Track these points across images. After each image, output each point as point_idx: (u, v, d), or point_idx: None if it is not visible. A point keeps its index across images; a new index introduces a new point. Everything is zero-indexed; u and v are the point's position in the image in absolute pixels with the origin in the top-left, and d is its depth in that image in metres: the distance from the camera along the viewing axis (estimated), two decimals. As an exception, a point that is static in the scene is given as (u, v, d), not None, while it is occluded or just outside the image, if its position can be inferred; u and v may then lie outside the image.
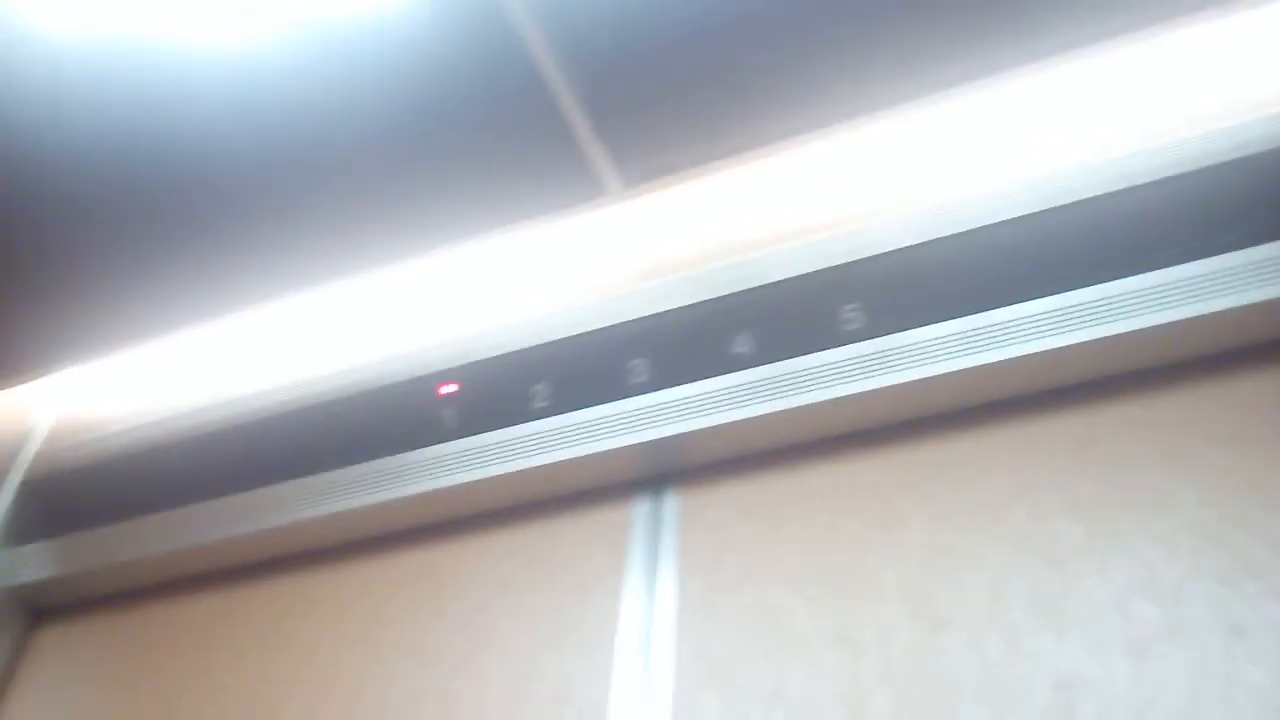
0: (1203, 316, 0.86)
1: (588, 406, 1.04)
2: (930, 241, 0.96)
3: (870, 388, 0.94)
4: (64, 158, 1.07)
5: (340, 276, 1.17)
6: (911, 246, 0.97)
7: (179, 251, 1.16)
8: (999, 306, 0.92)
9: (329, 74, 0.98)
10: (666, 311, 1.04)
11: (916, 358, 0.93)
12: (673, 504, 1.04)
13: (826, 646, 0.88)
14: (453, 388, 1.11)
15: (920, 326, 0.94)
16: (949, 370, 0.92)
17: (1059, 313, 0.90)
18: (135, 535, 1.23)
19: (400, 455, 1.10)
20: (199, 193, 1.09)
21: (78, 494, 1.30)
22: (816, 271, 1.00)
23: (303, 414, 1.18)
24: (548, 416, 1.05)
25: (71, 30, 0.97)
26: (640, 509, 1.05)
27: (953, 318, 0.93)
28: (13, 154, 1.07)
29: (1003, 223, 0.95)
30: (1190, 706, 0.75)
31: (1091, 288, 0.90)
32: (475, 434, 1.08)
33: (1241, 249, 0.86)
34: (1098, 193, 0.93)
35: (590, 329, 1.07)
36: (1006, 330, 0.91)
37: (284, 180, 1.08)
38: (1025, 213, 0.94)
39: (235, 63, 0.98)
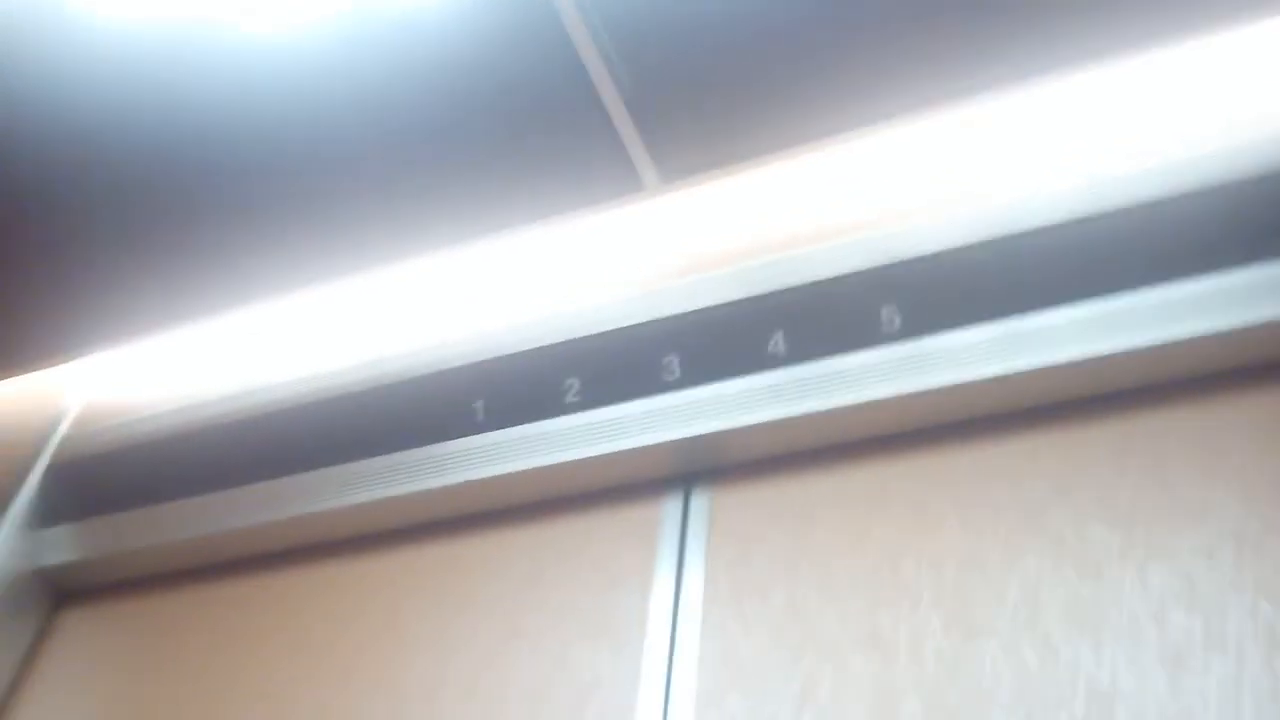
0: (1247, 326, 0.85)
1: (620, 402, 1.03)
2: (972, 244, 0.96)
3: (907, 390, 0.93)
4: (99, 144, 1.07)
5: (375, 267, 1.17)
6: (952, 249, 0.96)
7: (213, 238, 1.16)
8: (1040, 310, 0.91)
9: (373, 64, 0.98)
10: (702, 309, 1.04)
11: (955, 361, 0.93)
12: (702, 502, 1.03)
13: (857, 651, 0.87)
14: (484, 381, 1.11)
15: (959, 329, 0.93)
16: (988, 374, 0.91)
17: (1101, 318, 0.89)
18: (160, 521, 1.23)
19: (429, 447, 1.10)
20: (235, 180, 1.10)
21: (104, 478, 1.30)
22: (855, 272, 0.99)
23: (333, 404, 1.17)
24: (579, 411, 1.05)
25: (111, 16, 0.97)
26: (670, 507, 1.04)
27: (993, 321, 0.92)
28: (49, 139, 1.07)
29: (1045, 227, 0.94)
30: (1228, 720, 0.74)
31: (1134, 293, 0.89)
32: (506, 427, 1.07)
33: (1290, 258, 0.85)
34: (1143, 199, 0.92)
35: (624, 324, 1.06)
36: (1046, 335, 0.90)
37: (322, 170, 1.08)
38: (1068, 218, 0.93)
39: (278, 52, 0.98)
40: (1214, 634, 0.78)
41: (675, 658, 0.93)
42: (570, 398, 1.06)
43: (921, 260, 0.97)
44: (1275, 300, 0.85)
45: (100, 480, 1.30)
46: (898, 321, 0.96)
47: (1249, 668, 0.75)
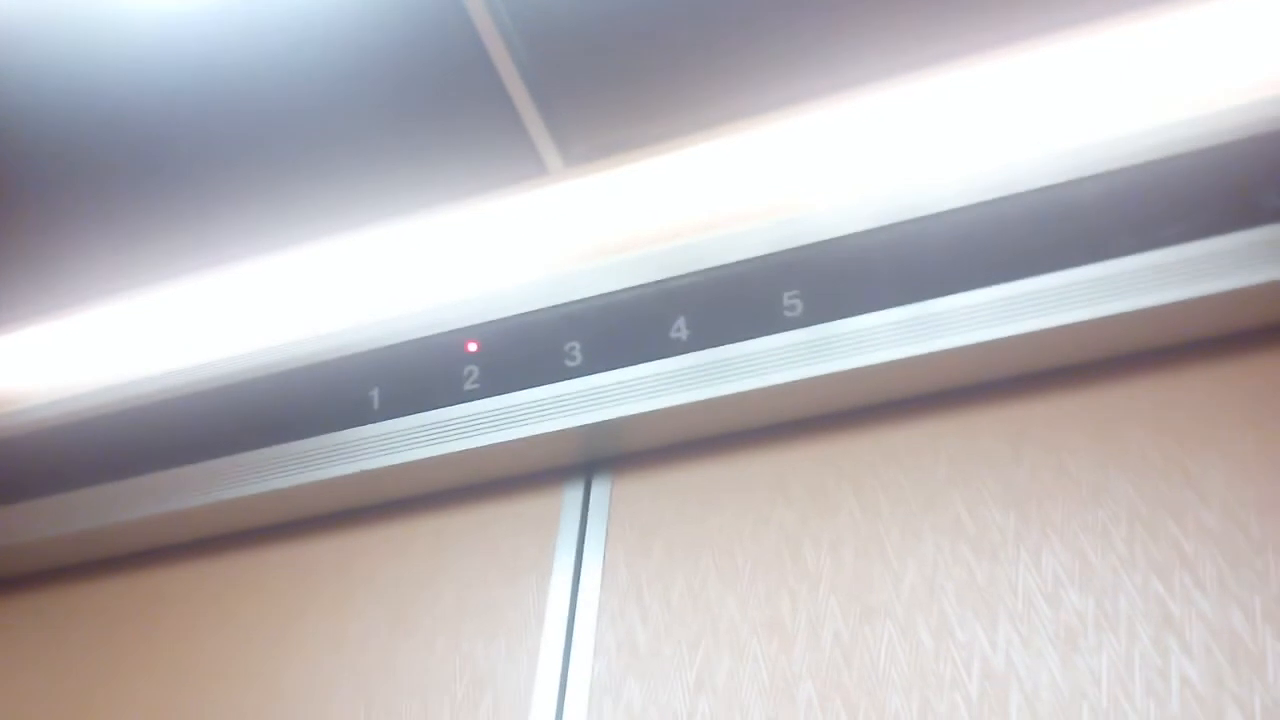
0: (1141, 311, 0.86)
1: (521, 389, 1.01)
2: (872, 230, 0.95)
3: (808, 375, 0.93)
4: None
5: (270, 252, 1.13)
6: (853, 234, 0.96)
7: (98, 223, 1.11)
8: (939, 296, 0.91)
9: (268, 44, 0.95)
10: (604, 294, 1.02)
11: (855, 346, 0.92)
12: (603, 490, 1.01)
13: (755, 637, 0.86)
14: (380, 368, 1.08)
15: (860, 315, 0.93)
16: (887, 359, 0.91)
17: (999, 303, 0.89)
18: (47, 513, 1.17)
19: (323, 436, 1.07)
20: (118, 164, 1.05)
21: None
22: (757, 257, 0.99)
23: (222, 393, 1.13)
24: (479, 399, 1.02)
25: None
26: (571, 495, 1.02)
27: (893, 306, 0.92)
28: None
29: (944, 213, 0.94)
30: (1119, 698, 0.74)
31: (1030, 279, 0.89)
32: (403, 415, 1.04)
33: (1184, 243, 0.86)
34: (1040, 185, 0.92)
35: (525, 310, 1.04)
36: (945, 320, 0.90)
37: (213, 155, 1.04)
38: (965, 204, 0.94)
39: (170, 28, 0.94)
40: (1106, 613, 0.78)
41: (572, 647, 0.91)
42: (469, 385, 1.03)
43: (823, 245, 0.97)
44: (1168, 286, 0.86)
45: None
46: (799, 307, 0.95)
47: (1140, 646, 0.76)
